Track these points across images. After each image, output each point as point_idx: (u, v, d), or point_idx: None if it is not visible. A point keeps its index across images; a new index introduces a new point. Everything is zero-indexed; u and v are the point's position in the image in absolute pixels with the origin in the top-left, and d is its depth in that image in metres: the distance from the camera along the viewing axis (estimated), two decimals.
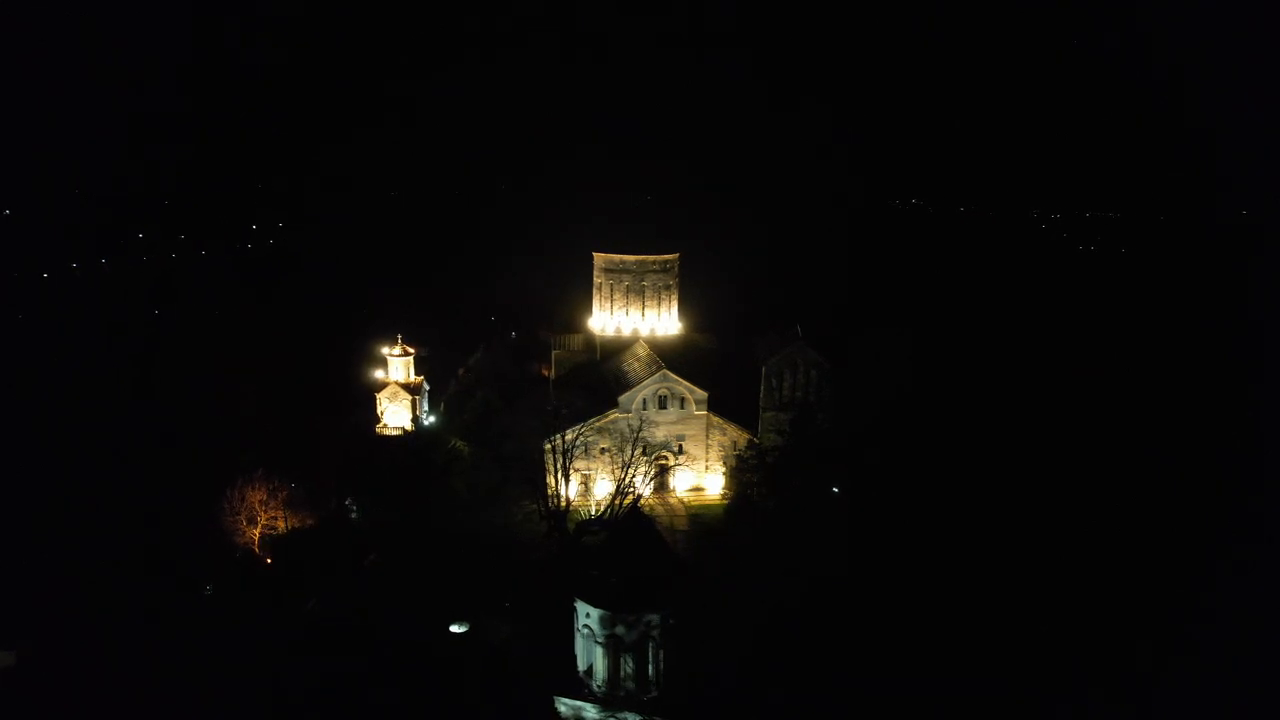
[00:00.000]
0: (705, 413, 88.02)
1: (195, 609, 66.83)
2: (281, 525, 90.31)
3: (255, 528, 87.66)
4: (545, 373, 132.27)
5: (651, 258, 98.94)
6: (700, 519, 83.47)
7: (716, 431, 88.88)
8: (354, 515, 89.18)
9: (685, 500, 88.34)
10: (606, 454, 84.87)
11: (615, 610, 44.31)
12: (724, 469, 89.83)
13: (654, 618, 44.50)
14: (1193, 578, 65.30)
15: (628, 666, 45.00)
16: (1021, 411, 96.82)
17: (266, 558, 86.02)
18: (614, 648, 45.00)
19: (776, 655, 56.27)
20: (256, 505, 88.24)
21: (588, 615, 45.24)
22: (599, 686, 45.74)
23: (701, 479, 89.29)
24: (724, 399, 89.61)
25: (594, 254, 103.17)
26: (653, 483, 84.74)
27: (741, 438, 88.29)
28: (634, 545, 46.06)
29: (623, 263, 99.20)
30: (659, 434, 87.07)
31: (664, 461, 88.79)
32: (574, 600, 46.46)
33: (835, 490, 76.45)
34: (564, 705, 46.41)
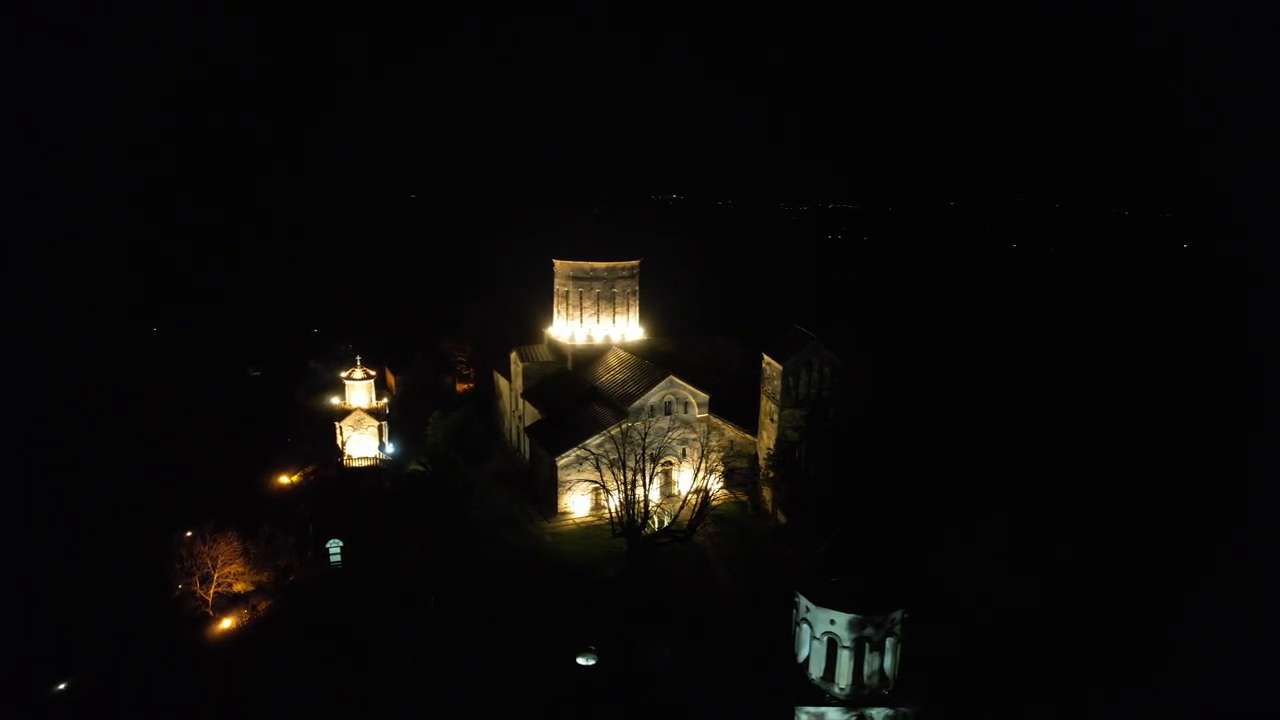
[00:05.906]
0: (707, 415, 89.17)
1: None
2: (240, 584, 79.72)
3: (210, 586, 76.76)
4: (461, 387, 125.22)
5: (621, 264, 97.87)
6: (716, 520, 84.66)
7: (715, 433, 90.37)
8: (335, 560, 79.73)
9: (691, 503, 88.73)
10: (615, 464, 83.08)
11: (866, 613, 45.11)
12: (722, 469, 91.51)
13: (897, 614, 45.94)
14: (1183, 578, 67.41)
15: (872, 664, 46.01)
16: (991, 402, 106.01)
17: (222, 619, 76.04)
18: (859, 648, 45.79)
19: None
20: (210, 562, 77.19)
21: (833, 622, 45.61)
22: (842, 689, 46.26)
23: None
24: (712, 400, 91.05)
25: (555, 261, 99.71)
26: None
27: (739, 437, 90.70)
28: (867, 546, 47.04)
29: (593, 270, 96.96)
30: (662, 439, 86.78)
31: (669, 466, 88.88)
32: (807, 607, 46.56)
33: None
34: (806, 714, 46.28)
